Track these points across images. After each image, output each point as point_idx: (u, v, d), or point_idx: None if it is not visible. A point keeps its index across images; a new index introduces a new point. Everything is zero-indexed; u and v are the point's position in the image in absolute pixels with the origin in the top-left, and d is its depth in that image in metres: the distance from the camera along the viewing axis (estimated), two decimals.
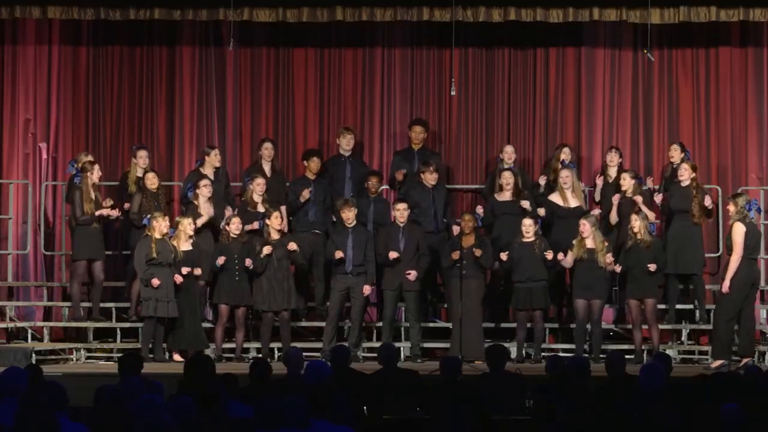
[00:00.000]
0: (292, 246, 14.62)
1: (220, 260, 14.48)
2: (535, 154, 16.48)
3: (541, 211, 15.15)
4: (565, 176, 15.13)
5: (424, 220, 15.21)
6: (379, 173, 15.78)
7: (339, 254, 14.56)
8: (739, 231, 13.64)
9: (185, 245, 14.53)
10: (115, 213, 15.12)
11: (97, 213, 15.02)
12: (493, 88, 16.57)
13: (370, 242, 14.83)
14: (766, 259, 15.93)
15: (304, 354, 11.06)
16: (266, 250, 14.49)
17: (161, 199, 15.27)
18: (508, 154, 15.59)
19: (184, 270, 14.39)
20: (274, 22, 15.78)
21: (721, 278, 14.00)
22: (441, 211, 15.28)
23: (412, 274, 14.67)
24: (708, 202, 14.91)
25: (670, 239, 14.82)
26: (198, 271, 14.50)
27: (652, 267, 14.18)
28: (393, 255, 14.64)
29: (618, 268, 14.43)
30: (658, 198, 15.07)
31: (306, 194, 15.23)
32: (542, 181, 15.57)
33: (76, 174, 15.13)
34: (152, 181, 15.18)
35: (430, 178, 15.30)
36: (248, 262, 14.48)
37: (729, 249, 13.81)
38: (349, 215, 14.74)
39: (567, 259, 14.49)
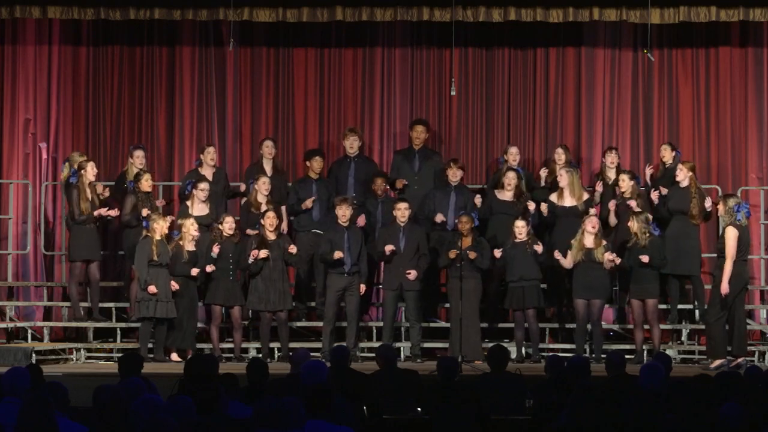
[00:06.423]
0: (293, 249, 14.61)
1: (215, 249, 14.42)
2: (536, 154, 16.50)
3: (544, 207, 15.10)
4: (563, 176, 15.18)
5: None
6: (384, 174, 15.76)
7: (338, 254, 14.53)
8: (731, 235, 13.74)
9: (189, 245, 14.55)
10: (113, 213, 15.11)
11: (95, 213, 15.02)
12: (493, 88, 16.58)
13: (362, 241, 14.84)
14: (766, 259, 15.96)
15: None
16: (262, 254, 14.46)
17: (153, 200, 15.26)
18: (513, 155, 15.60)
19: (194, 271, 14.41)
20: (274, 22, 15.79)
21: (713, 280, 14.07)
22: (463, 209, 15.16)
23: (413, 274, 14.67)
24: (708, 204, 14.92)
25: (669, 240, 14.83)
26: (198, 270, 14.48)
27: (645, 258, 14.19)
28: (389, 248, 14.63)
29: (618, 260, 14.42)
30: (654, 195, 15.07)
31: (309, 204, 15.23)
32: (543, 173, 15.55)
33: (72, 174, 15.12)
34: (148, 183, 15.16)
35: (452, 174, 15.27)
36: (255, 253, 14.41)
37: (720, 251, 13.88)
38: (345, 213, 14.73)
39: (566, 261, 14.52)
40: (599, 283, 14.45)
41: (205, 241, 14.78)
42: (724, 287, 13.71)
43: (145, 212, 14.72)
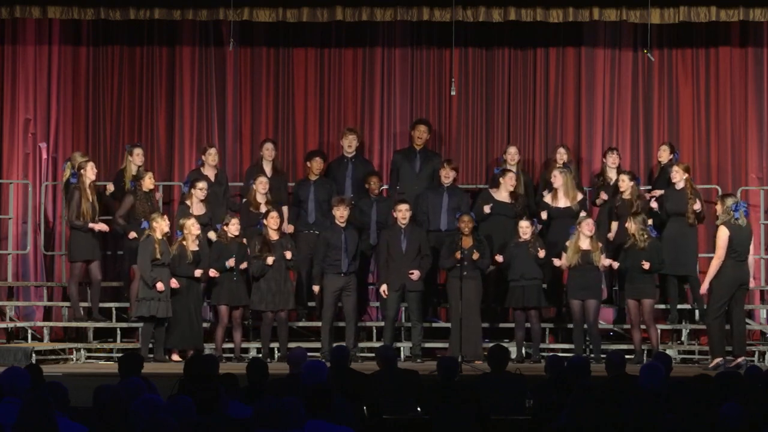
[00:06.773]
0: (287, 254, 14.63)
1: (230, 262, 14.44)
2: (535, 155, 16.50)
3: (544, 215, 15.15)
4: (556, 177, 15.18)
5: (433, 219, 15.20)
6: (379, 173, 15.77)
7: (317, 289, 14.68)
8: (722, 235, 13.77)
9: (193, 245, 14.54)
10: (103, 228, 15.06)
11: (90, 226, 14.93)
12: (493, 88, 16.58)
13: (358, 242, 14.84)
14: (766, 259, 15.95)
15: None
16: (269, 260, 14.48)
17: (153, 200, 15.25)
18: (512, 155, 15.59)
19: (198, 272, 14.41)
20: (274, 22, 15.79)
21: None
22: (455, 209, 15.15)
23: (415, 274, 14.67)
24: (698, 206, 14.90)
25: (666, 241, 14.84)
26: (202, 272, 14.48)
27: (646, 265, 14.21)
28: (383, 290, 14.67)
29: (615, 265, 14.46)
30: (654, 204, 15.05)
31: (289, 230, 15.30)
32: (546, 195, 15.44)
33: (72, 174, 15.09)
34: (151, 181, 15.15)
35: (444, 175, 15.26)
36: (243, 265, 14.47)
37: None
38: (343, 214, 14.73)
39: (563, 262, 14.54)
40: (594, 284, 14.47)
41: (204, 240, 14.78)
42: (704, 287, 13.82)
43: (131, 235, 14.65)
